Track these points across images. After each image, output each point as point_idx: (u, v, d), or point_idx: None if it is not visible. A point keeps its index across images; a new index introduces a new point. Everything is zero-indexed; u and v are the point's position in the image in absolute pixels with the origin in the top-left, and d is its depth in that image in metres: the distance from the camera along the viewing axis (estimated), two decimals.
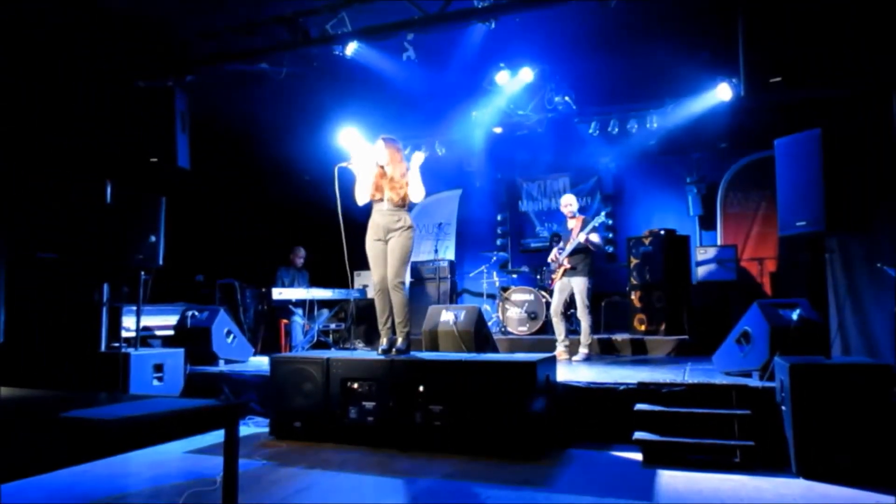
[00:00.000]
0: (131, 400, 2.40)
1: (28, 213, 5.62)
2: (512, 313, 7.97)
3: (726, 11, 5.24)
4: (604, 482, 3.77)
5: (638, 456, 4.19)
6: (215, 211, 8.77)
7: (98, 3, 5.87)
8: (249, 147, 8.77)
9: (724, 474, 3.84)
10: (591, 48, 7.28)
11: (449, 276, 8.88)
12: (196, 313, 6.63)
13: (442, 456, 4.29)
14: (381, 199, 4.96)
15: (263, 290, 8.17)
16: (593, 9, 5.79)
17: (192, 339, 6.32)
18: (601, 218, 6.72)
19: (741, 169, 8.82)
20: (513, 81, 8.12)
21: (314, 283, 8.34)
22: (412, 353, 5.01)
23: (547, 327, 7.62)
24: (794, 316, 4.58)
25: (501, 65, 7.95)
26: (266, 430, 5.08)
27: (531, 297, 7.91)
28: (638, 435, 4.23)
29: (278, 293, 7.07)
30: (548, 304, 7.46)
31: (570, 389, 4.77)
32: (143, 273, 5.58)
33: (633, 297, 7.80)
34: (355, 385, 4.75)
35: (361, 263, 5.39)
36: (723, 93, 7.44)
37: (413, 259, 7.40)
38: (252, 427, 5.33)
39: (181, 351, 5.86)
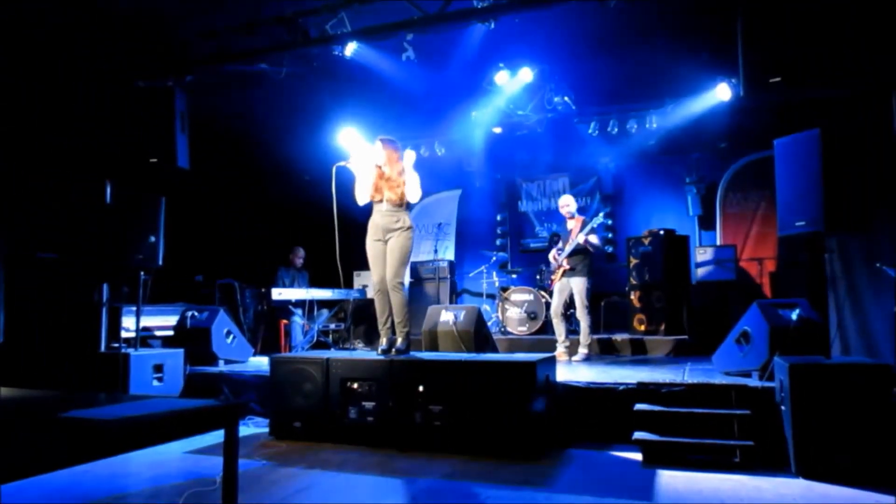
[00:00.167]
0: (131, 400, 2.41)
1: (28, 213, 5.62)
2: (511, 313, 7.97)
3: (726, 11, 5.24)
4: (604, 482, 3.77)
5: (638, 456, 4.19)
6: (215, 211, 8.77)
7: (98, 3, 5.88)
8: (249, 147, 8.78)
9: (724, 474, 3.84)
10: (590, 48, 7.29)
11: (448, 276, 8.89)
12: (196, 313, 6.62)
13: (442, 456, 4.29)
14: (381, 200, 4.97)
15: (263, 290, 8.16)
16: (593, 9, 5.79)
17: (192, 340, 6.31)
18: (599, 219, 6.72)
19: (741, 169, 8.82)
20: (512, 81, 8.12)
21: (314, 283, 8.34)
22: (412, 353, 5.01)
23: (546, 327, 7.62)
24: (794, 316, 4.58)
25: (501, 65, 7.96)
26: (266, 430, 5.08)
27: (531, 297, 7.91)
28: (637, 435, 4.23)
29: (278, 293, 7.07)
30: (547, 305, 7.46)
31: (570, 389, 4.77)
32: (142, 273, 5.58)
33: (632, 297, 7.80)
34: (355, 385, 4.75)
35: (361, 264, 5.39)
36: (722, 93, 7.45)
37: (413, 259, 7.42)
38: (252, 427, 5.33)
39: (181, 351, 5.86)
